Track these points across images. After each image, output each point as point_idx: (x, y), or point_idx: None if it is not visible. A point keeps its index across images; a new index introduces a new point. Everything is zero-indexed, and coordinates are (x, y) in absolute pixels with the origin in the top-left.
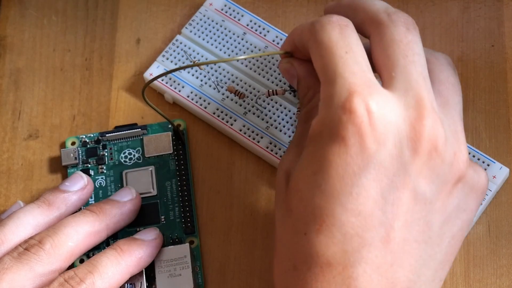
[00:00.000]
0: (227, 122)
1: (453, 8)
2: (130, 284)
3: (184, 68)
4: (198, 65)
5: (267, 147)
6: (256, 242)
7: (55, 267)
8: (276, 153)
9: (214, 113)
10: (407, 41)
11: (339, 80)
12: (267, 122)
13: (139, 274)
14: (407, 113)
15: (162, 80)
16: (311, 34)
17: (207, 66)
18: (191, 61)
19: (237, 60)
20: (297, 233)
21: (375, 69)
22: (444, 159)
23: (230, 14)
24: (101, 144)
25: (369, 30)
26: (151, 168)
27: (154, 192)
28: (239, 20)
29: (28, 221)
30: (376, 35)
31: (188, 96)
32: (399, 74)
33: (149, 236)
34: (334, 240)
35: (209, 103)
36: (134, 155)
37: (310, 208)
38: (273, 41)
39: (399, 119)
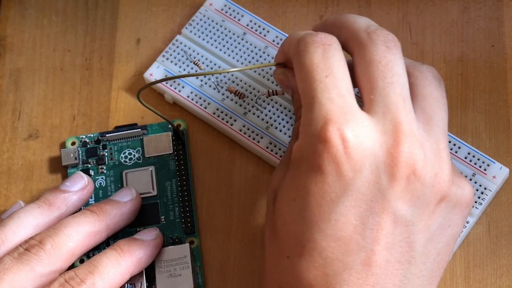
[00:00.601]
0: (227, 122)
1: (453, 8)
2: (130, 284)
3: (180, 77)
4: (192, 75)
5: (267, 147)
6: (256, 242)
7: (56, 267)
8: (276, 153)
9: (214, 113)
10: (386, 61)
11: (316, 106)
12: (267, 122)
13: (139, 274)
14: (384, 138)
15: None
16: (295, 53)
17: (207, 66)
18: (191, 61)
19: (228, 72)
20: (281, 255)
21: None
22: (424, 181)
23: (230, 14)
24: (101, 144)
25: (351, 49)
26: (151, 168)
27: (154, 192)
28: (239, 20)
29: (28, 221)
30: (357, 55)
31: (188, 96)
32: (377, 96)
33: (149, 236)
34: (315, 264)
35: (209, 103)
36: (134, 155)
37: (292, 233)
38: (273, 41)
39: (375, 145)
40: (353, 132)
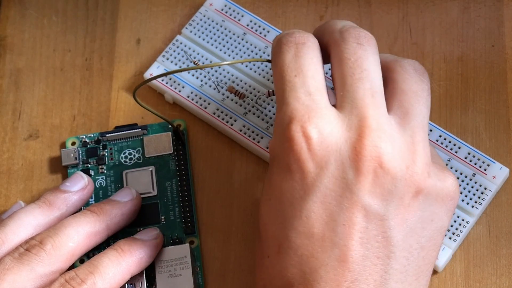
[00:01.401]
0: (227, 122)
1: (453, 8)
2: (130, 284)
3: (172, 73)
4: (184, 70)
5: (267, 147)
6: (256, 242)
7: (56, 267)
8: None
9: (214, 113)
10: (355, 57)
11: (284, 106)
12: (267, 122)
13: (140, 274)
14: (349, 134)
15: (162, 80)
16: (273, 54)
17: None
18: (191, 61)
19: (219, 67)
20: (263, 255)
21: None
22: (394, 175)
23: (230, 14)
24: (101, 144)
25: (328, 50)
26: (151, 168)
27: (154, 192)
28: (239, 20)
29: (29, 221)
30: (332, 55)
31: (188, 96)
32: (346, 93)
33: (150, 236)
34: (292, 262)
35: (209, 103)
36: (134, 155)
37: (270, 232)
38: None
39: (340, 141)
40: (316, 129)
